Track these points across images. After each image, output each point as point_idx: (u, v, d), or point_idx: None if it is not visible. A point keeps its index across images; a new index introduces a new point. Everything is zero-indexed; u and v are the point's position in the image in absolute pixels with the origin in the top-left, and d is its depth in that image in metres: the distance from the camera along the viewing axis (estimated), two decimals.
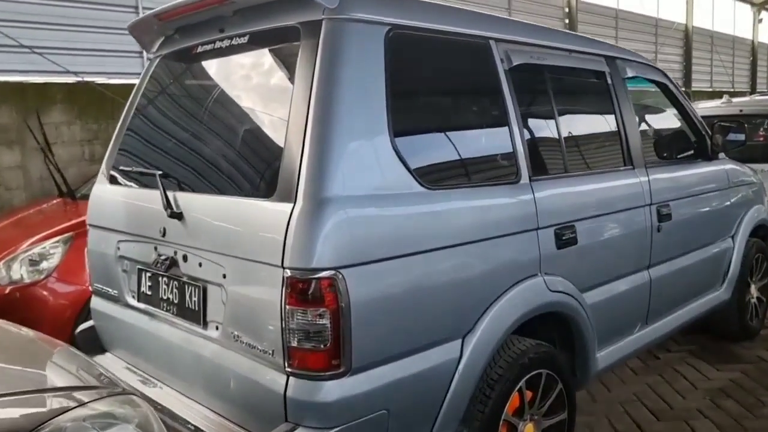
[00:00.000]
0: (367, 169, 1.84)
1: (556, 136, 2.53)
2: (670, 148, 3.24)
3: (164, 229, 2.16)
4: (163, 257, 2.17)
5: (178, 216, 2.08)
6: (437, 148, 2.15)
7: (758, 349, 3.86)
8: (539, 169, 2.40)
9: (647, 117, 3.42)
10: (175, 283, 2.16)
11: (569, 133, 2.63)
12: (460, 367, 2.01)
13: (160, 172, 2.19)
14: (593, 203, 2.58)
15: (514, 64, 2.35)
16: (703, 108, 5.38)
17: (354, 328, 1.73)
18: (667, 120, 3.60)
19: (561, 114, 2.58)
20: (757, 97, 7.69)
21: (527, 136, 2.35)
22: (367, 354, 1.79)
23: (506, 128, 2.28)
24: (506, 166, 2.27)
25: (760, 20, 25.41)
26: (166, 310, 2.21)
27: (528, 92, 2.50)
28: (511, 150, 2.28)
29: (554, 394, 2.33)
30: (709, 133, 3.54)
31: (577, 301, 2.42)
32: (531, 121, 2.47)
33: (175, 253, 2.14)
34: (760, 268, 4.07)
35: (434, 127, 2.17)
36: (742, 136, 3.57)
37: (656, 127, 3.36)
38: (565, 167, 2.53)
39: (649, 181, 2.93)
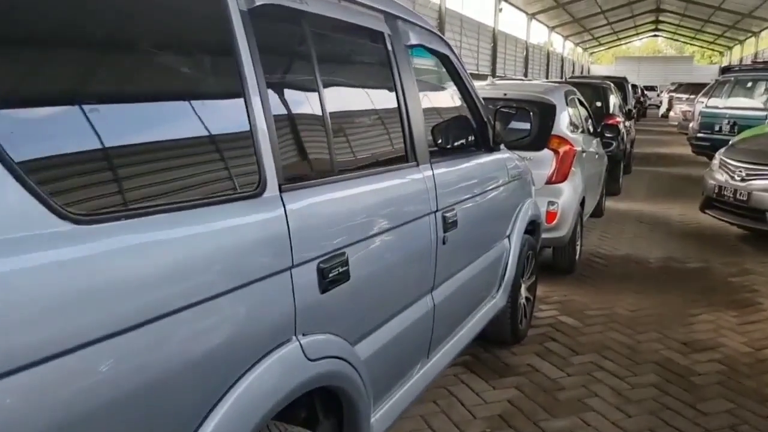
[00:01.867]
0: None
1: (320, 122, 1.74)
2: (454, 137, 2.67)
3: None
4: None
5: None
6: (83, 150, 1.10)
7: (527, 354, 3.59)
8: (295, 171, 1.59)
9: (429, 97, 2.81)
10: None
11: (338, 117, 1.86)
12: None
13: None
14: (371, 218, 1.85)
15: (258, 3, 1.48)
16: None
17: None
18: (449, 103, 3.04)
19: (327, 89, 1.79)
20: (521, 82, 7.87)
21: (277, 121, 1.51)
22: None
23: (242, 110, 1.41)
24: (239, 169, 1.41)
25: (501, 9, 27.77)
26: None
27: (279, 53, 1.67)
28: (251, 144, 1.42)
29: None
30: (491, 120, 3.06)
31: (349, 363, 1.68)
32: (283, 99, 1.64)
33: None
34: (530, 266, 3.82)
35: (94, 112, 1.12)
36: (527, 125, 3.16)
37: (438, 110, 2.78)
38: (333, 167, 1.76)
39: (435, 180, 2.30)
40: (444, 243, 2.34)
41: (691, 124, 13.54)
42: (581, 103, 6.39)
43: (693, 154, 12.29)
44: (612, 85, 9.77)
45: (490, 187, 2.92)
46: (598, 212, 7.18)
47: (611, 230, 6.77)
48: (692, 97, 18.88)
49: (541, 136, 4.93)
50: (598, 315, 4.21)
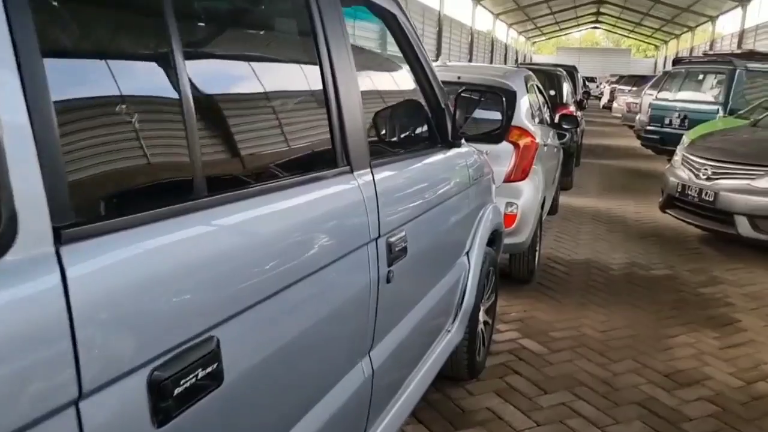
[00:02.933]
0: None
1: (177, 110, 1.00)
2: (404, 130, 1.97)
3: None
4: None
5: None
6: None
7: (486, 393, 2.94)
8: (103, 201, 0.87)
9: (370, 77, 2.07)
10: None
11: (208, 104, 1.11)
12: None
13: None
14: (250, 277, 1.09)
15: None
16: None
17: None
18: (398, 83, 2.33)
19: (190, 56, 1.05)
20: (475, 65, 7.24)
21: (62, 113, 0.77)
22: None
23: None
24: None
25: None
26: None
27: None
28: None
29: None
30: (450, 107, 2.37)
31: None
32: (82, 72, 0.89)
33: None
34: (490, 285, 3.17)
35: None
36: (497, 114, 2.48)
37: (382, 94, 2.07)
38: (196, 186, 1.02)
39: (376, 192, 1.59)
40: (388, 281, 1.64)
41: (638, 117, 13.32)
42: (540, 91, 5.80)
43: (640, 146, 12.03)
44: (565, 73, 9.27)
45: (449, 195, 2.23)
46: (553, 209, 6.65)
47: (568, 230, 6.24)
48: (635, 88, 18.82)
49: (501, 127, 4.29)
50: (564, 338, 3.62)
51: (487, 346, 3.21)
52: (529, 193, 4.27)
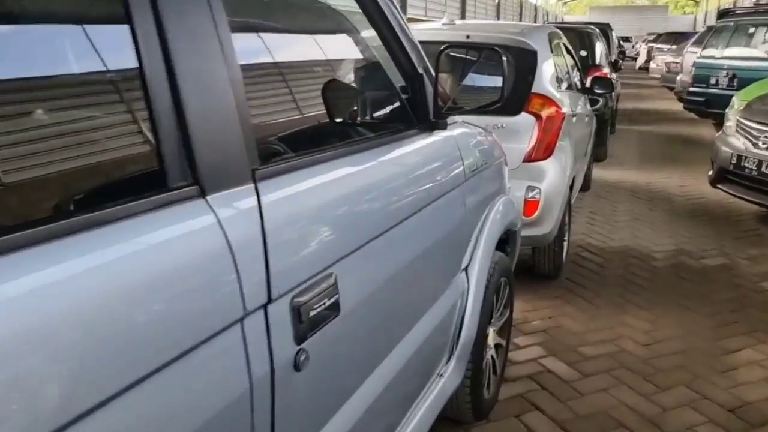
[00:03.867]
0: None
1: None
2: (346, 113, 1.29)
3: None
4: None
5: None
6: None
7: None
8: None
9: (281, 38, 1.34)
10: None
11: None
12: None
13: None
14: None
15: None
16: (416, 31, 3.65)
17: None
18: (341, 47, 1.62)
19: None
20: (489, 22, 6.45)
21: None
22: None
23: None
24: None
25: None
26: None
27: None
28: None
29: None
30: (432, 73, 1.66)
31: None
32: None
33: None
34: (502, 299, 2.49)
35: None
36: (495, 81, 1.78)
37: (306, 61, 1.37)
38: None
39: (263, 227, 0.92)
40: (298, 369, 0.98)
41: (679, 77, 12.27)
42: (568, 51, 5.00)
43: (682, 110, 11.02)
44: (598, 31, 8.35)
45: (427, 199, 1.55)
46: (585, 185, 5.89)
47: (602, 209, 5.47)
48: (674, 47, 17.57)
49: (518, 96, 3.55)
50: (599, 355, 2.93)
51: (500, 374, 2.55)
52: (554, 174, 3.54)
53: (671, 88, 13.71)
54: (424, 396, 1.77)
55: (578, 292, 3.68)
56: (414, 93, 1.61)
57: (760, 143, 4.79)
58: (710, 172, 5.47)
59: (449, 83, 1.71)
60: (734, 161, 4.99)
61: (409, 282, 1.49)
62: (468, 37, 3.70)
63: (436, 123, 1.67)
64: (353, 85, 1.45)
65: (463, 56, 1.92)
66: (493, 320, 2.37)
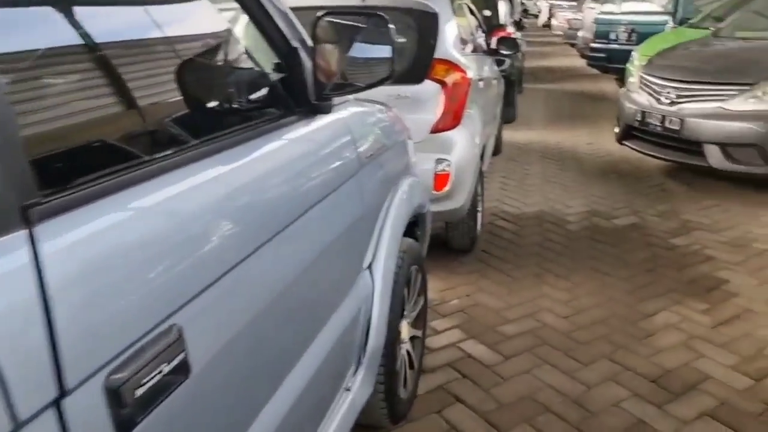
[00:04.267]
0: None
1: None
2: (192, 105, 1.01)
3: None
4: None
5: None
6: None
7: None
8: None
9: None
10: None
11: None
12: None
13: None
14: None
15: None
16: None
17: None
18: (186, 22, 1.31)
19: None
20: None
21: None
22: None
23: None
24: None
25: None
26: None
27: None
28: None
29: None
30: (308, 43, 1.39)
31: None
32: None
33: None
34: (414, 289, 2.29)
35: None
36: (385, 50, 1.53)
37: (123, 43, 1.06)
38: None
39: (46, 301, 0.64)
40: None
41: (580, 33, 12.43)
42: (471, 12, 4.81)
43: (585, 66, 11.19)
44: None
45: (308, 205, 1.29)
46: (495, 149, 5.80)
47: (514, 173, 5.40)
48: (575, 3, 17.86)
49: (420, 62, 3.32)
50: (520, 333, 2.80)
51: (418, 368, 2.37)
52: (464, 143, 3.37)
53: (573, 45, 13.92)
54: (330, 416, 1.54)
55: (495, 264, 3.55)
56: (289, 72, 1.33)
57: (662, 98, 4.81)
58: (616, 130, 5.49)
59: (336, 56, 1.44)
60: (639, 118, 5.01)
61: (296, 301, 1.24)
62: (363, 0, 3.42)
63: (319, 106, 1.40)
64: (203, 65, 1.17)
65: (352, 23, 1.66)
66: (405, 313, 2.17)
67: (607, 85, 10.32)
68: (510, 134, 6.81)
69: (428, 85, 3.29)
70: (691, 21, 7.49)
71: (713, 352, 2.63)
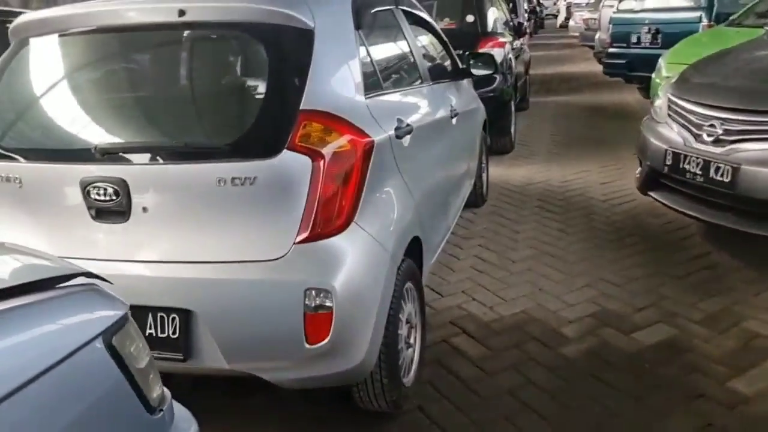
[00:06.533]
0: None
1: None
2: None
3: None
4: None
5: None
6: None
7: None
8: None
9: None
10: None
11: None
12: None
13: None
14: None
15: None
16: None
17: None
18: None
19: None
20: None
21: None
22: None
23: None
24: None
25: None
26: None
27: None
28: None
29: None
30: None
31: None
32: None
33: None
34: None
35: None
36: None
37: None
38: None
39: None
40: None
41: (597, 35, 10.88)
42: (418, 22, 3.32)
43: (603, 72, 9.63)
44: None
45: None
46: (476, 201, 4.34)
47: (496, 240, 3.90)
48: (593, 1, 16.25)
49: (275, 120, 1.91)
50: None
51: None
52: (359, 256, 1.94)
53: (591, 47, 12.35)
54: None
55: None
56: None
57: (703, 134, 3.28)
58: (638, 173, 3.96)
59: None
60: (669, 161, 3.47)
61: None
62: (182, 13, 1.99)
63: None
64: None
65: None
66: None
67: (630, 95, 8.77)
68: (503, 171, 5.34)
69: (289, 160, 1.86)
70: (732, 17, 5.92)
71: None
